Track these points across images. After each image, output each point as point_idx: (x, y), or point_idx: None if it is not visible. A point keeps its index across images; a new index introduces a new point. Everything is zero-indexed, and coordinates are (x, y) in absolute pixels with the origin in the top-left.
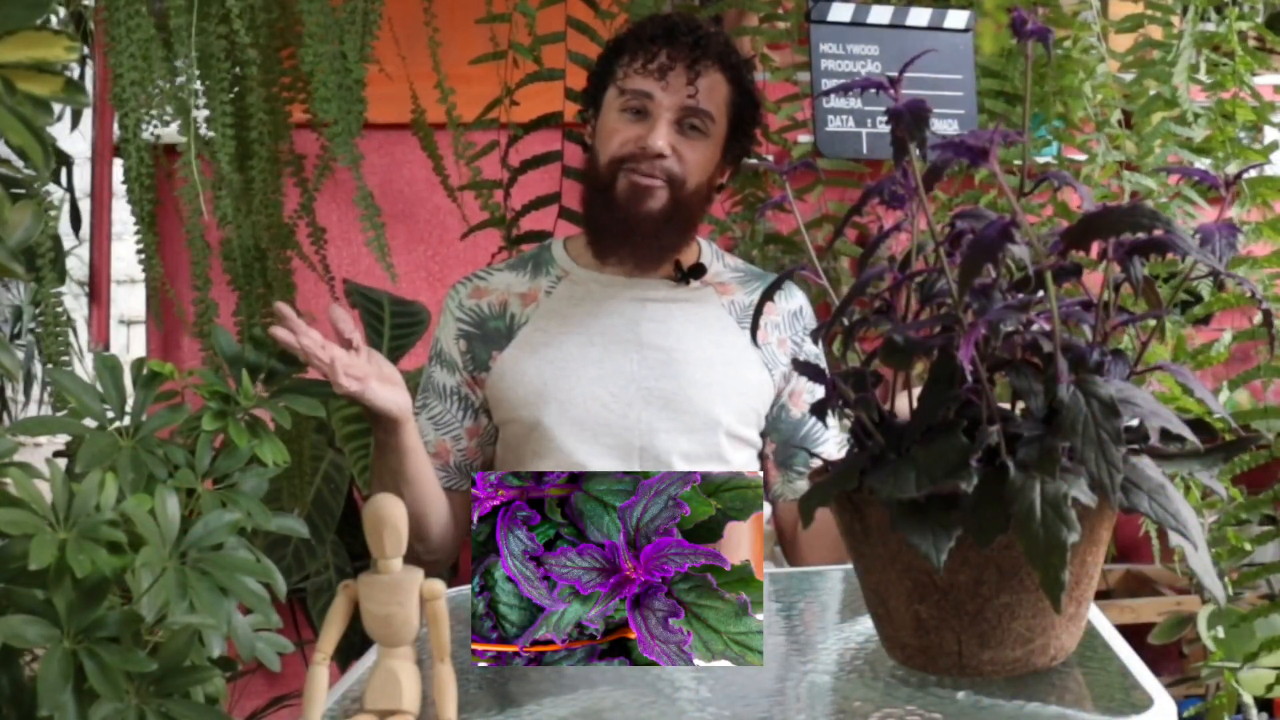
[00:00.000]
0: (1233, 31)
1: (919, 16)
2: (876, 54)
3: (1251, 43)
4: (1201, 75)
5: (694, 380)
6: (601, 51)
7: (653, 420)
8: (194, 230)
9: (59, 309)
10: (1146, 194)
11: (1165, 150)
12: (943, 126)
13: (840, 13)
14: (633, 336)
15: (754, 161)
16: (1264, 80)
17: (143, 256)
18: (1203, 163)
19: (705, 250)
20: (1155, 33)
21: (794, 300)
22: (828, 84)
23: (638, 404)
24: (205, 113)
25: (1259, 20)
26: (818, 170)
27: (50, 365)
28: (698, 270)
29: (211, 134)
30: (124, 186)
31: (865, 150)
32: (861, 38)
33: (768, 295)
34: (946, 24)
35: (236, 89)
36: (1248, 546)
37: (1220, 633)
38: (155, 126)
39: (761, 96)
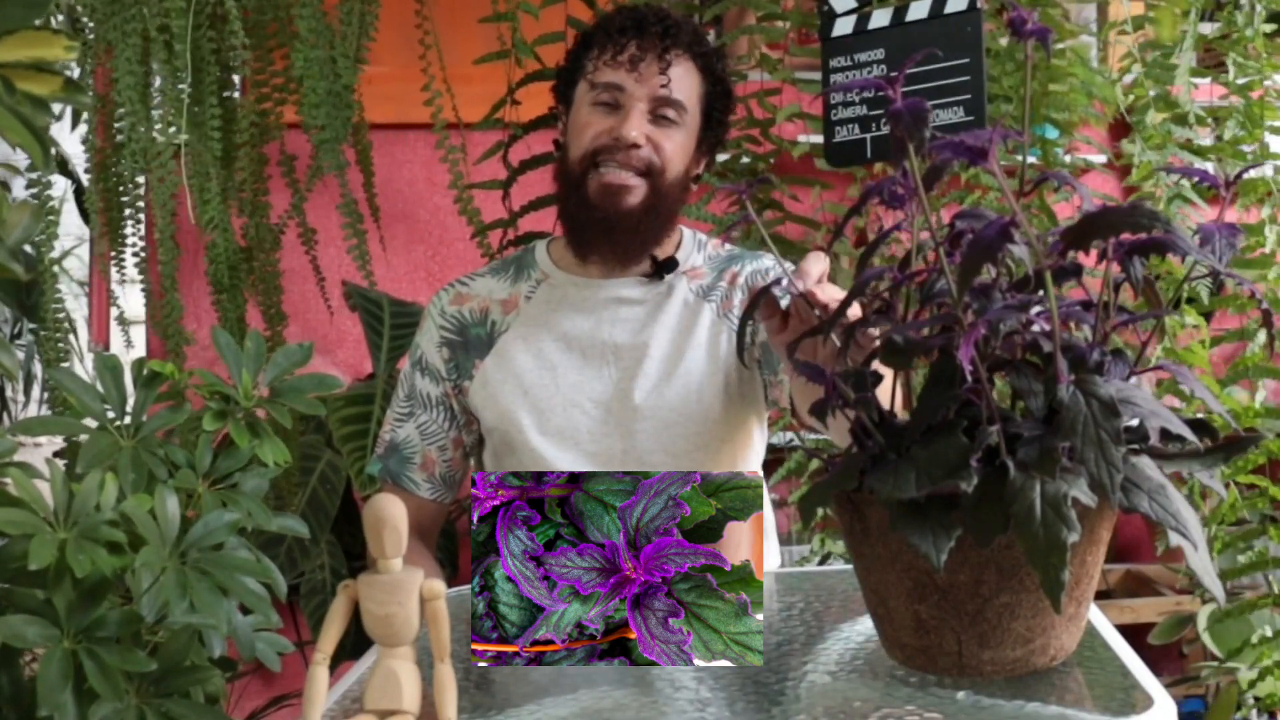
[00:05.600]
0: (1259, 33)
1: (919, 9)
2: (881, 58)
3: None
4: (1231, 76)
5: (670, 376)
6: (570, 46)
7: (632, 422)
8: (165, 231)
9: (60, 314)
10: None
11: (1166, 152)
12: (947, 115)
13: (844, 26)
14: (608, 339)
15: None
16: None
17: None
18: (1201, 163)
19: (687, 241)
20: (1152, 34)
21: (762, 261)
22: (835, 97)
23: (616, 407)
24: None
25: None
26: (777, 186)
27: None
28: (670, 265)
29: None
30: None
31: (869, 155)
32: (866, 45)
33: (748, 314)
34: (948, 9)
35: (225, 91)
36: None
37: (1228, 628)
38: (147, 129)
39: (733, 85)
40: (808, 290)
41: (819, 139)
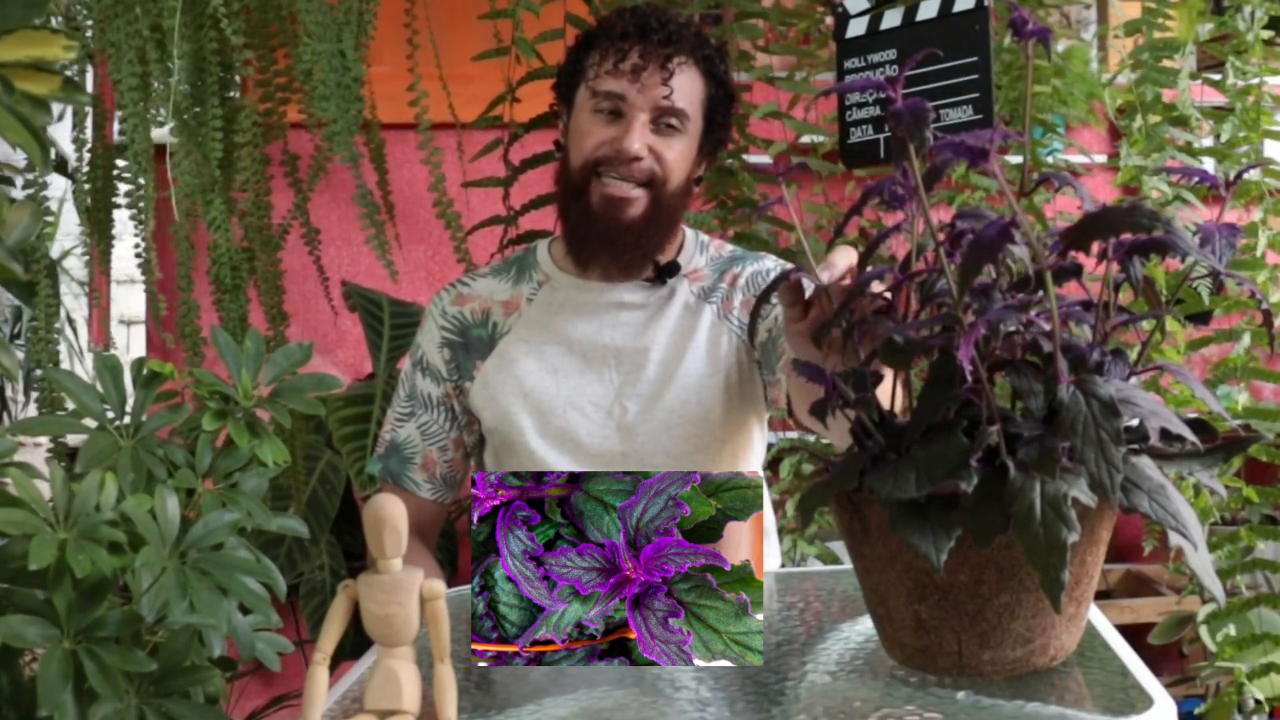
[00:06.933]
0: (1258, 40)
1: (928, 9)
2: (893, 58)
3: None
4: (1229, 80)
5: (670, 379)
6: (571, 46)
7: (633, 425)
8: (180, 231)
9: (53, 317)
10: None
11: (1164, 154)
12: (957, 114)
13: (858, 28)
14: (609, 343)
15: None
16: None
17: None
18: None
19: (689, 242)
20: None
21: (763, 263)
22: (850, 98)
23: (617, 410)
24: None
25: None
26: (812, 171)
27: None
28: (672, 269)
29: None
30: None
31: (883, 156)
32: (879, 46)
33: (764, 297)
34: (956, 8)
35: (228, 91)
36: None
37: (1231, 630)
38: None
39: (735, 86)
40: (834, 283)
41: (803, 139)
